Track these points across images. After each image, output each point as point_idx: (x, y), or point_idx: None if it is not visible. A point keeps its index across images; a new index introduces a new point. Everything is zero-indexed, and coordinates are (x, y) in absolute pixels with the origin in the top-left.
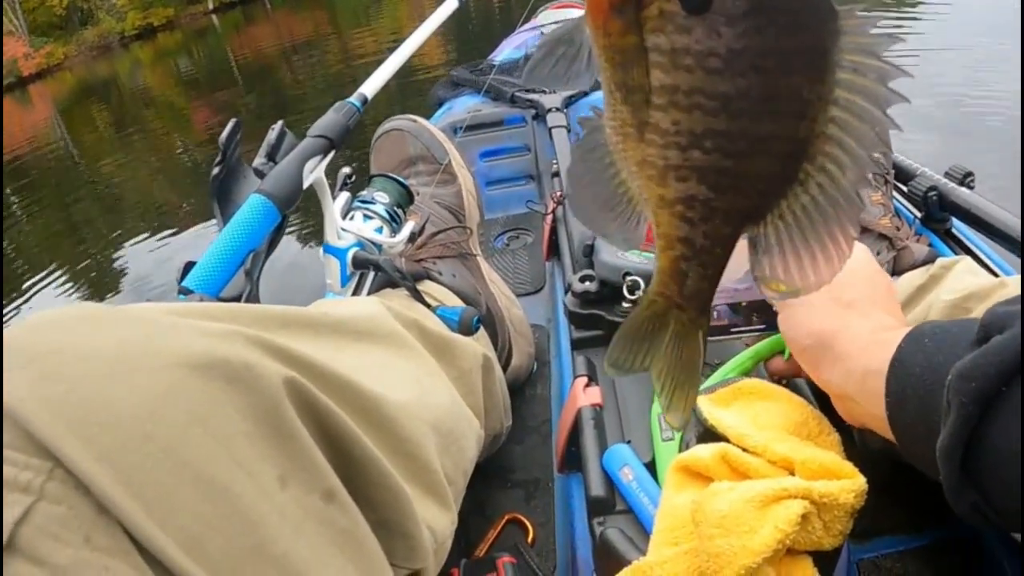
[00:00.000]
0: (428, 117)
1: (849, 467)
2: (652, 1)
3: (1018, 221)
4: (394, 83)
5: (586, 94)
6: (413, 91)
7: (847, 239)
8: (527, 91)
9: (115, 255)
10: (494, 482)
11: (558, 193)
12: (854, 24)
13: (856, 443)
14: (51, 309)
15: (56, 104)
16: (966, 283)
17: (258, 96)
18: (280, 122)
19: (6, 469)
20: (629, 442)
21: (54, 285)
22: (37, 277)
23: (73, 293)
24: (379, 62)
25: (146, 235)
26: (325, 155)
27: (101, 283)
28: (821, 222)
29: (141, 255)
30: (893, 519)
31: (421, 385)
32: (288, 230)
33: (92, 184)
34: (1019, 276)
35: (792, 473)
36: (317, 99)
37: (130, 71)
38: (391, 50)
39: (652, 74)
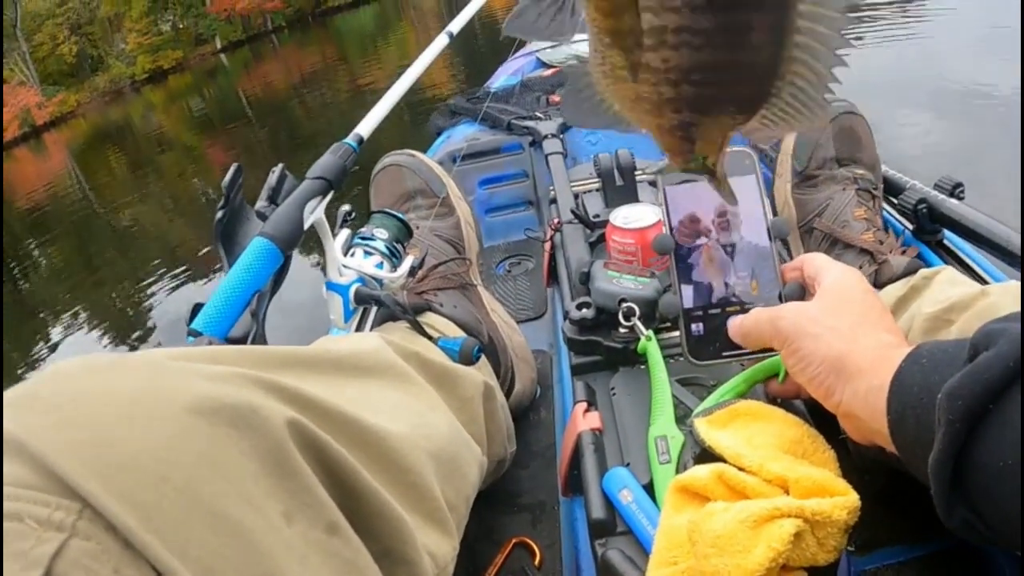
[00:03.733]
0: (428, 146)
1: (842, 484)
2: None
3: (1009, 231)
4: (404, 104)
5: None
6: (423, 115)
7: (819, 117)
8: (522, 118)
9: (136, 296)
10: (500, 507)
11: (556, 220)
12: None
13: (852, 456)
14: (67, 360)
15: (71, 151)
16: (948, 294)
17: (271, 131)
18: (280, 165)
19: (39, 510)
20: (628, 465)
21: (80, 330)
22: (62, 323)
23: (98, 335)
24: (388, 89)
25: (165, 275)
26: (324, 196)
27: (124, 324)
28: (794, 120)
29: (161, 295)
30: (894, 530)
31: (421, 416)
32: (293, 268)
33: (111, 228)
34: (1003, 284)
35: (787, 491)
36: (329, 130)
37: (143, 114)
38: (399, 78)
39: (642, 17)
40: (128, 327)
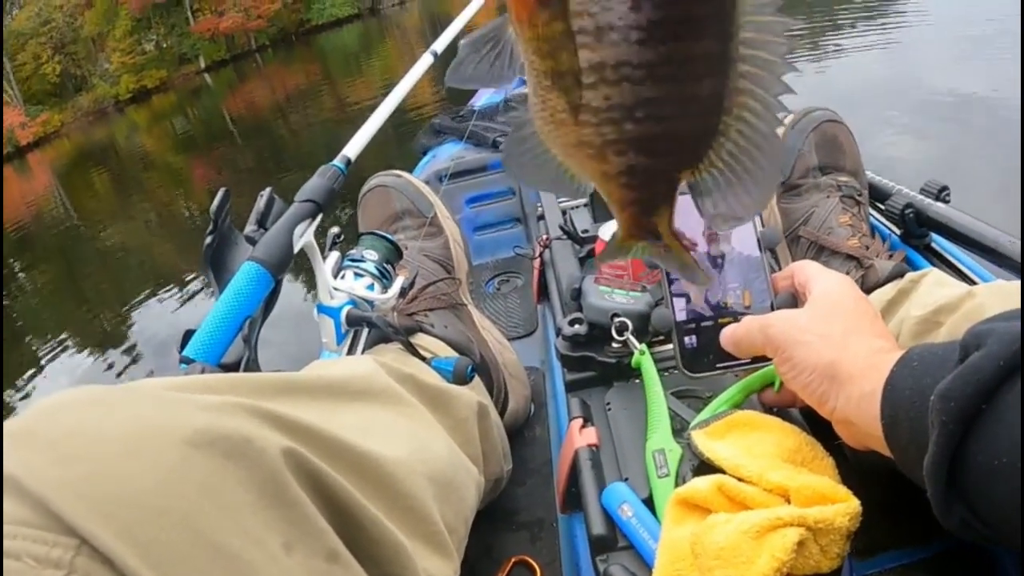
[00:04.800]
0: (415, 164)
1: (843, 491)
2: None
3: (996, 232)
4: (390, 122)
5: None
6: (410, 133)
7: (773, 169)
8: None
9: (122, 316)
10: (499, 525)
11: (544, 237)
12: None
13: (851, 462)
14: (60, 393)
15: (55, 171)
16: (935, 296)
17: (256, 151)
18: (268, 189)
19: (37, 548)
20: (626, 480)
21: (65, 351)
22: (48, 345)
23: (83, 357)
24: (373, 107)
25: (151, 295)
26: (313, 219)
27: (110, 345)
28: (747, 161)
29: (147, 315)
30: (895, 534)
31: (417, 438)
32: (285, 289)
33: (95, 248)
34: (989, 284)
35: (788, 500)
36: (314, 149)
37: (127, 134)
38: (384, 95)
39: (580, 55)
40: (114, 348)
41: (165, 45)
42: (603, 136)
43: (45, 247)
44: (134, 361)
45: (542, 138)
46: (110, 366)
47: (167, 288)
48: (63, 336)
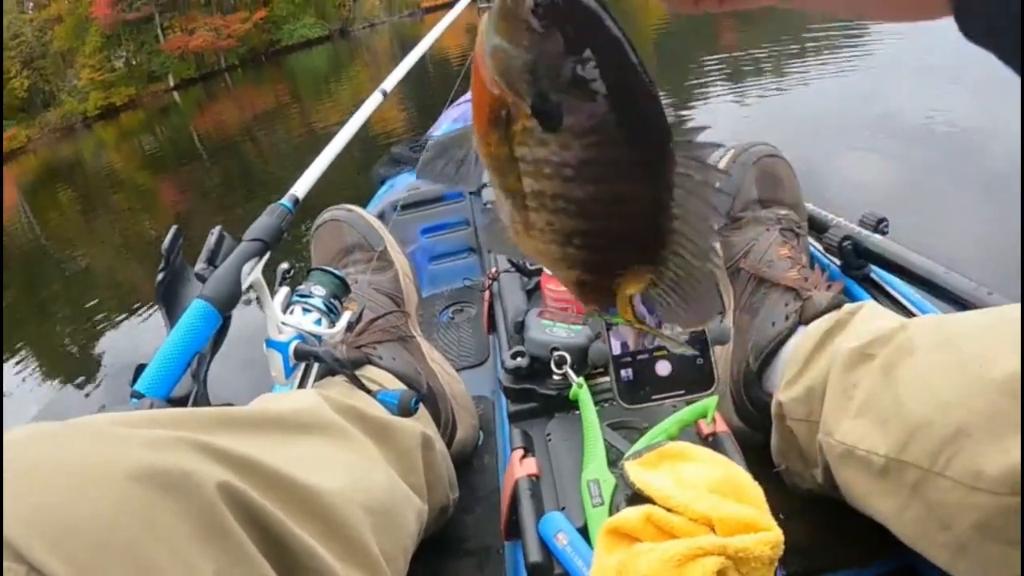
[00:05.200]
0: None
1: (766, 520)
2: (518, 118)
3: (930, 263)
4: (356, 148)
5: None
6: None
7: (709, 302)
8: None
9: (84, 337)
10: (448, 552)
11: (493, 269)
12: (684, 137)
13: (790, 489)
14: (12, 430)
15: (21, 187)
16: (869, 328)
17: (223, 171)
18: (219, 227)
19: None
20: (563, 509)
21: (26, 370)
22: (8, 364)
23: (44, 377)
24: (323, 149)
25: (115, 316)
26: (261, 257)
27: (71, 365)
28: (684, 292)
29: (110, 336)
30: (835, 556)
31: (357, 470)
32: (240, 321)
33: (59, 266)
34: (920, 318)
35: (713, 529)
36: (282, 171)
37: (94, 151)
38: (334, 137)
39: (524, 181)
40: (76, 369)
41: (135, 62)
42: (551, 253)
43: (9, 263)
44: (94, 381)
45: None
46: (69, 383)
47: (130, 307)
48: (23, 352)
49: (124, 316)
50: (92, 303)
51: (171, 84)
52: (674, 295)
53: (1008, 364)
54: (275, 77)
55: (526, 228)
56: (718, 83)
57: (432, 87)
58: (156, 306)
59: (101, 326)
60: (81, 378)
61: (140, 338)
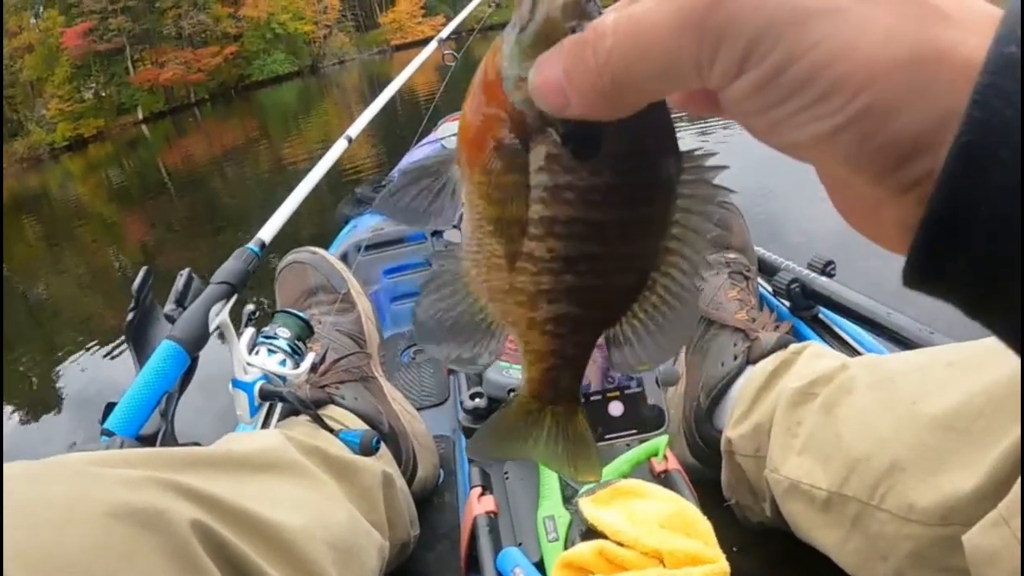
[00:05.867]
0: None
1: (713, 553)
2: (539, 144)
3: (874, 303)
4: (324, 184)
5: None
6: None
7: (689, 323)
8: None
9: (48, 370)
10: None
11: None
12: (691, 158)
13: (741, 523)
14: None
15: None
16: (813, 368)
17: (190, 205)
18: (187, 269)
19: None
20: (520, 544)
21: None
22: None
23: (8, 409)
24: (311, 167)
25: (80, 350)
26: (228, 299)
27: (35, 399)
28: (667, 314)
29: (74, 370)
30: None
31: (319, 507)
32: (209, 362)
33: (24, 299)
34: (860, 358)
35: (663, 562)
36: (250, 206)
37: (61, 183)
38: (321, 155)
39: (532, 207)
40: (39, 401)
41: (104, 94)
42: (539, 285)
43: None
44: (56, 413)
45: (464, 280)
46: (33, 417)
47: (95, 340)
48: None
49: (88, 350)
50: (56, 336)
51: (140, 117)
52: (652, 321)
53: (940, 401)
54: (244, 112)
55: (510, 261)
56: (683, 119)
57: (401, 125)
58: (121, 341)
59: (65, 359)
60: (43, 411)
61: (103, 372)
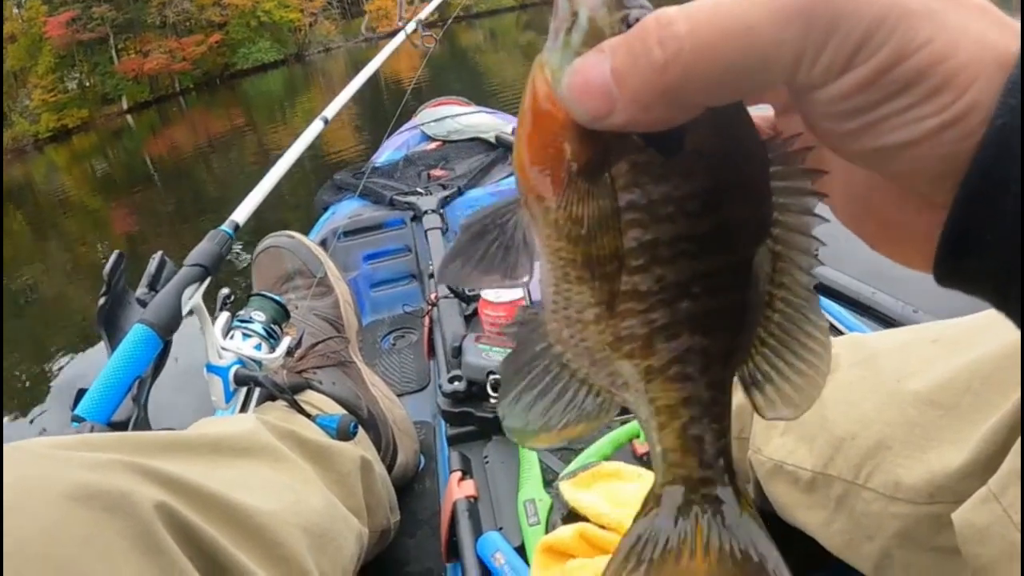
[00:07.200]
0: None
1: None
2: (620, 158)
3: (855, 281)
4: (310, 170)
5: (460, 193)
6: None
7: (823, 333)
8: (404, 193)
9: (34, 363)
10: (389, 575)
11: (432, 295)
12: (775, 149)
13: None
14: None
15: None
16: None
17: (176, 195)
18: (160, 252)
19: None
20: (501, 529)
21: None
22: None
23: None
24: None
25: (65, 342)
26: (201, 282)
27: (22, 392)
28: (796, 330)
29: (58, 360)
30: None
31: (294, 492)
32: (184, 348)
33: (8, 290)
34: (840, 338)
35: None
36: (235, 195)
37: (45, 174)
38: (274, 164)
39: (626, 235)
40: (22, 393)
41: (88, 84)
42: (651, 324)
43: None
44: (41, 405)
45: (559, 348)
46: (16, 407)
47: (78, 332)
48: None
49: (73, 341)
50: (41, 328)
51: (125, 107)
52: (784, 346)
53: (925, 378)
54: (230, 101)
55: (611, 305)
56: None
57: (386, 111)
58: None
59: (50, 351)
60: (28, 402)
61: (89, 363)
